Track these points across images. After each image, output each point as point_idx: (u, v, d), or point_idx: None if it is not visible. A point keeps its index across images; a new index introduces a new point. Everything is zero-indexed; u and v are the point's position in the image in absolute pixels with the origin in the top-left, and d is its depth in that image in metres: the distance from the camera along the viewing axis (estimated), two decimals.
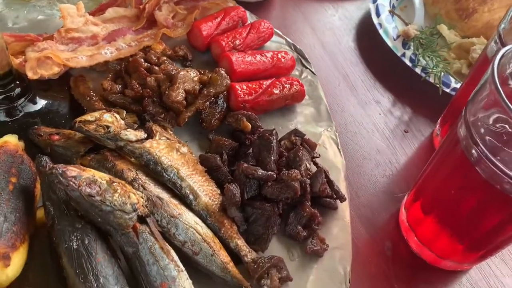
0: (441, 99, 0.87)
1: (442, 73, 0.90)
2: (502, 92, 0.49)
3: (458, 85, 0.88)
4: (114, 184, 0.54)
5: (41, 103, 0.70)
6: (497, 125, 0.52)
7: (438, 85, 0.88)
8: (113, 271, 0.52)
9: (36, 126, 0.66)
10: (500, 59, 0.53)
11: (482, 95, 0.54)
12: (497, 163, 0.51)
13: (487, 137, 0.52)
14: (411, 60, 0.92)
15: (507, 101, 0.49)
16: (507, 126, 0.51)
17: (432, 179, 0.65)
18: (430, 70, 0.90)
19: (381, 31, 0.96)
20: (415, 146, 0.85)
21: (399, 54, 0.93)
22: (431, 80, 0.90)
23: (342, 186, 0.71)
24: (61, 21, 0.78)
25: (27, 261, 0.53)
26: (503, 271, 0.70)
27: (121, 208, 0.53)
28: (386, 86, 0.94)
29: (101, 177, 0.54)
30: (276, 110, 0.80)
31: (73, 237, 0.52)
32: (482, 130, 0.53)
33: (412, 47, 0.95)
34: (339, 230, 0.67)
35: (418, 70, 0.91)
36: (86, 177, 0.52)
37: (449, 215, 0.62)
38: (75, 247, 0.52)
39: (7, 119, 0.67)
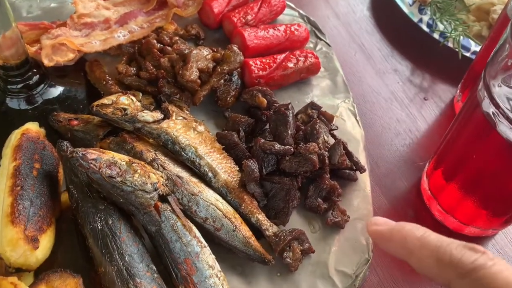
0: (461, 64, 0.85)
1: (461, 37, 0.87)
2: None
3: (478, 48, 0.85)
4: (134, 164, 0.55)
5: (58, 89, 0.71)
6: None
7: (457, 49, 0.86)
8: (138, 250, 0.53)
9: (55, 113, 0.67)
10: None
11: (501, 56, 0.52)
12: None
13: (508, 99, 0.51)
14: (428, 25, 0.90)
15: None
16: None
17: (453, 145, 0.63)
18: (449, 34, 0.88)
19: None
20: (435, 113, 0.83)
21: (415, 20, 0.91)
22: (450, 44, 0.87)
23: (361, 157, 0.71)
24: (73, 8, 0.78)
25: (55, 244, 0.55)
26: None
27: (142, 187, 0.53)
28: (403, 54, 0.92)
29: (121, 158, 0.55)
30: (292, 84, 0.80)
31: (97, 218, 0.53)
32: (503, 92, 0.52)
33: (429, 12, 0.92)
34: (360, 201, 0.67)
35: (436, 35, 0.88)
36: (106, 159, 0.53)
37: (472, 180, 0.61)
38: (99, 227, 0.53)
39: (28, 107, 0.68)
